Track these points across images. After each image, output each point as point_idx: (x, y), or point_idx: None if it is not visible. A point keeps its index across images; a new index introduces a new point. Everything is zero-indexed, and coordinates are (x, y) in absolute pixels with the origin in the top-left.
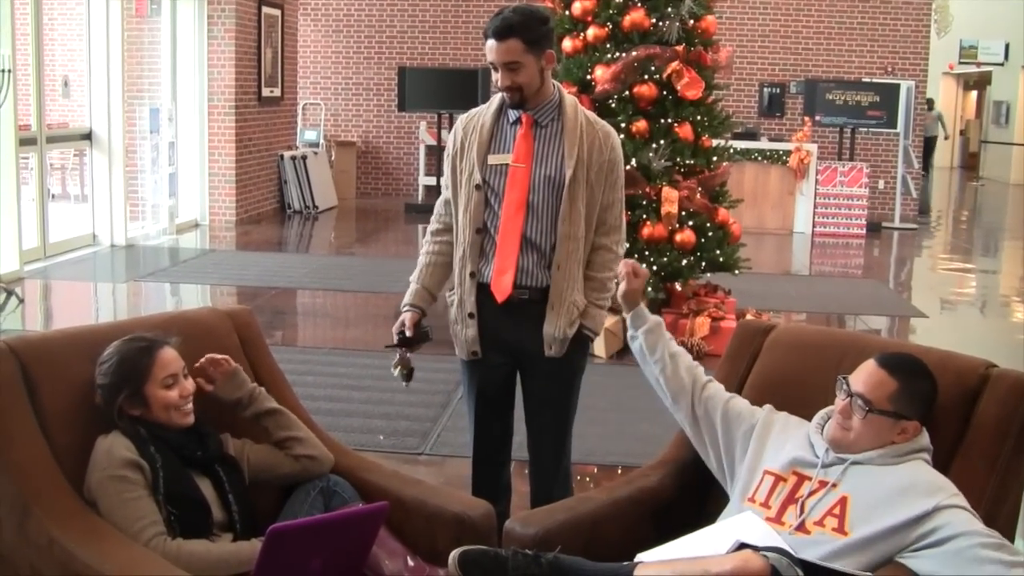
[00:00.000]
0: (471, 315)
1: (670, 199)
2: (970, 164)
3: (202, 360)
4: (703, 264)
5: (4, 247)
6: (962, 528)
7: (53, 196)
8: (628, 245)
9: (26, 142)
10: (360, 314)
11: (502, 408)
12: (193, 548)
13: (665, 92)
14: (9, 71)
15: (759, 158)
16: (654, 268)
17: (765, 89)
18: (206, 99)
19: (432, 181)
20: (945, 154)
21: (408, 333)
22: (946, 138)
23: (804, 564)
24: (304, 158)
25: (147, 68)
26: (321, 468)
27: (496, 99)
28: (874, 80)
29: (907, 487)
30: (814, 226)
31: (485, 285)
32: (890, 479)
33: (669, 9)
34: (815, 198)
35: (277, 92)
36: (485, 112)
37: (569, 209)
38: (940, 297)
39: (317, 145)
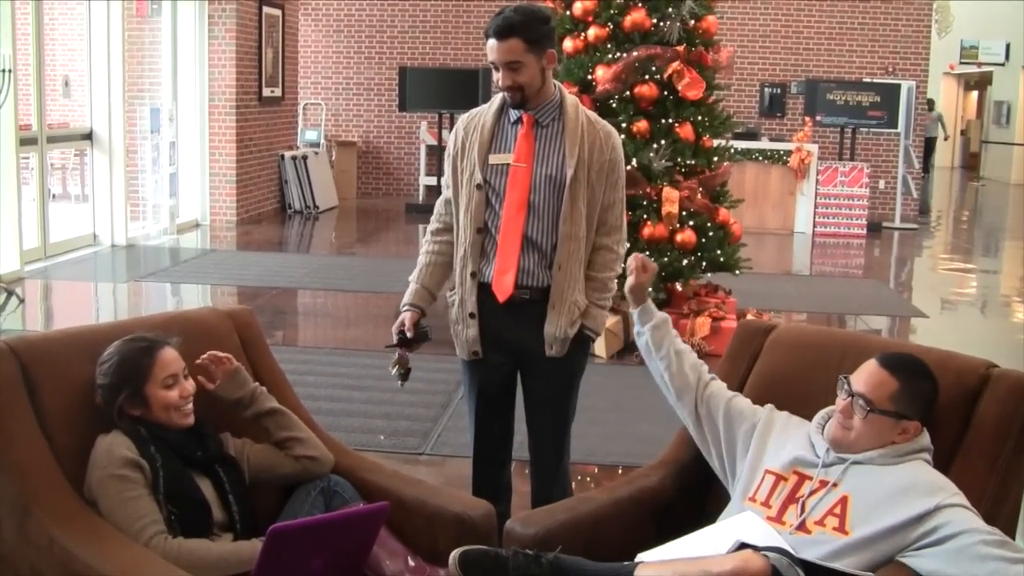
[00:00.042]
0: (472, 315)
1: (671, 199)
2: (971, 164)
3: (204, 356)
4: (704, 264)
5: (5, 247)
6: (964, 526)
7: (54, 196)
8: (629, 245)
9: (27, 142)
10: (361, 314)
11: (503, 408)
12: (193, 547)
13: (666, 92)
14: (10, 71)
15: (760, 158)
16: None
17: (766, 89)
18: (207, 99)
19: (433, 181)
20: (946, 154)
21: (408, 333)
22: (946, 139)
23: (805, 564)
24: (305, 158)
25: (148, 68)
26: (322, 468)
27: (497, 99)
28: (875, 80)
29: (908, 487)
30: (815, 226)
31: (486, 285)
32: (891, 479)
33: (670, 9)
34: (816, 198)
35: (278, 92)
36: (486, 112)
37: (570, 209)
38: (941, 297)
39: (318, 145)
